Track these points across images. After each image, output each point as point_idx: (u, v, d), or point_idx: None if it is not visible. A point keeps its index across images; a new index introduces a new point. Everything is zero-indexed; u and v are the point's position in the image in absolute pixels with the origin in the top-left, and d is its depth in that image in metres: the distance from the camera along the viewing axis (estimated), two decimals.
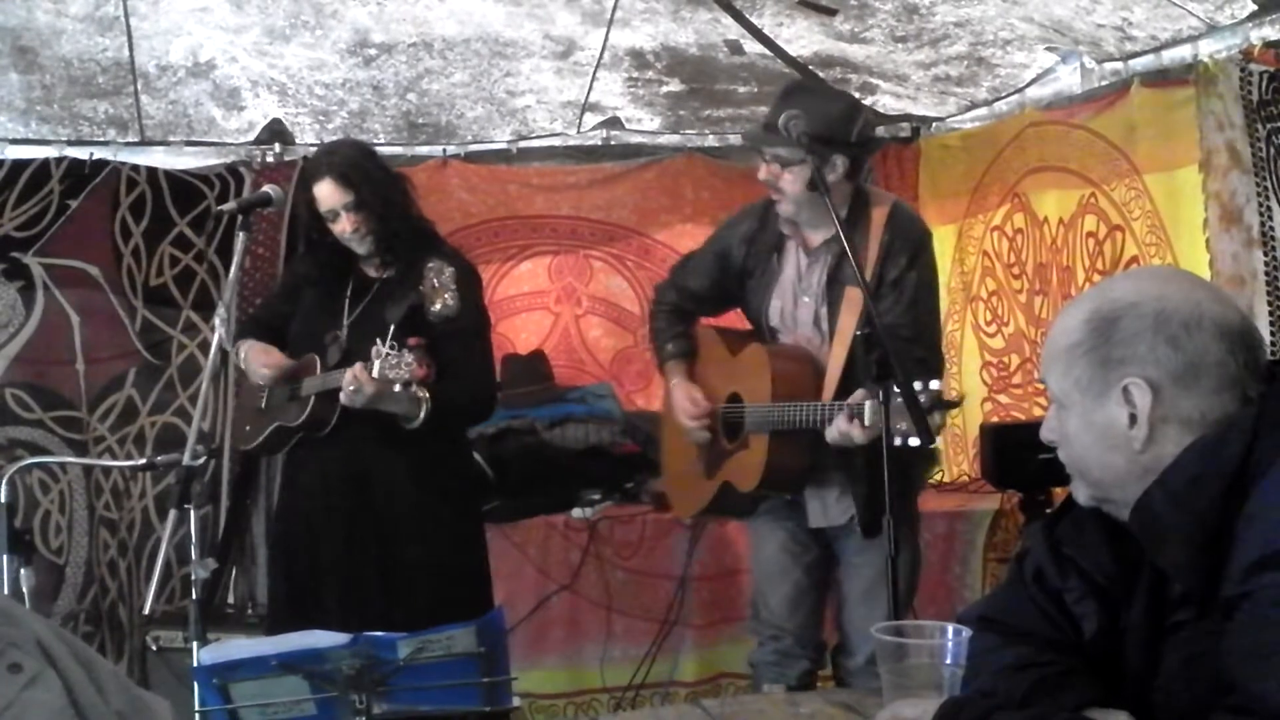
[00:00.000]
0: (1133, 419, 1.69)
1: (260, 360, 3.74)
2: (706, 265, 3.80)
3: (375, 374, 3.35)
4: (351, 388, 3.43)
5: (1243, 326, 1.70)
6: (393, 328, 3.45)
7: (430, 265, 3.61)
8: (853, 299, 3.44)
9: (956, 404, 3.17)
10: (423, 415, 3.55)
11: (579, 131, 5.59)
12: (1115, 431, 1.70)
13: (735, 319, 3.92)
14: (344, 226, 3.63)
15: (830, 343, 3.51)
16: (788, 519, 3.69)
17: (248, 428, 3.92)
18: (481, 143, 5.59)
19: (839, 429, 3.23)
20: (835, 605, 3.72)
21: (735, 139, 5.76)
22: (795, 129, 3.32)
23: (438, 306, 3.55)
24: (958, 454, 5.55)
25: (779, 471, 3.53)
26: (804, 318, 3.60)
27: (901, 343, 3.27)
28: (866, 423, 3.14)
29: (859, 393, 3.21)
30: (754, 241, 3.67)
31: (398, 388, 3.36)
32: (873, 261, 3.46)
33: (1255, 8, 3.82)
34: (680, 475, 3.97)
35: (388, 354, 3.34)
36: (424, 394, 3.52)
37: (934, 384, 3.02)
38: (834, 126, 3.43)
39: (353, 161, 3.65)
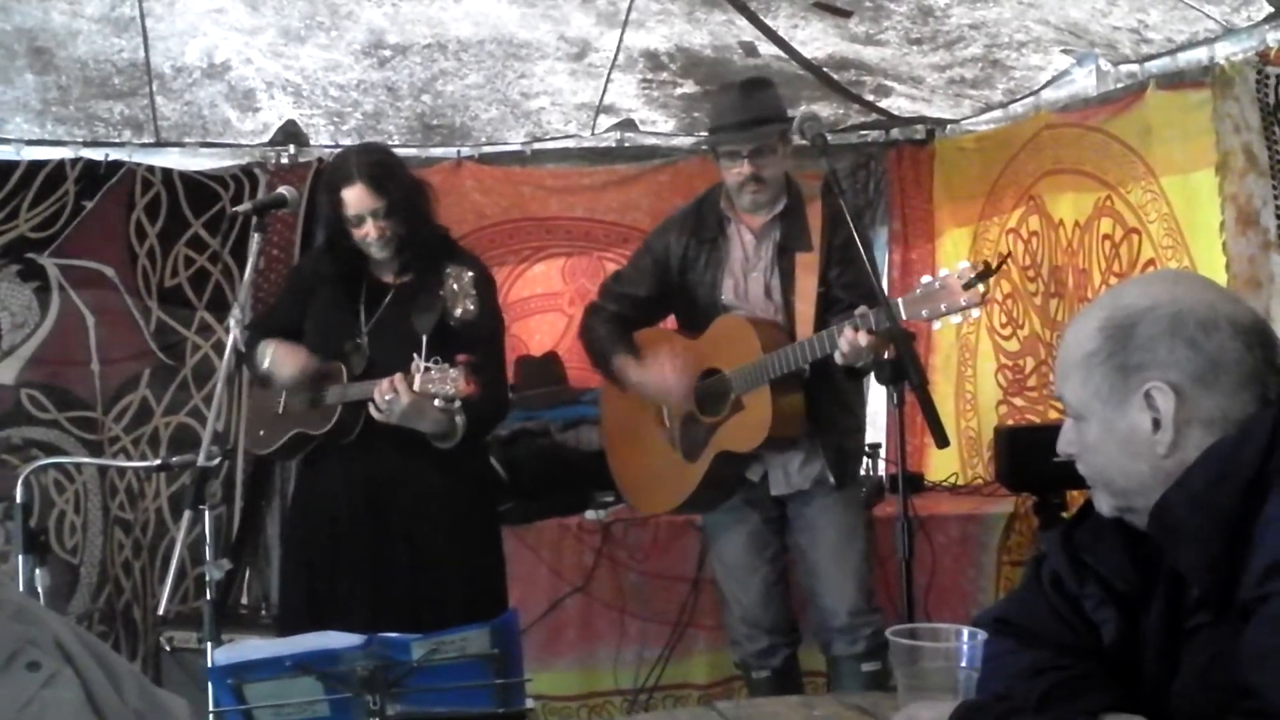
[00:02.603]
0: (1156, 424, 1.68)
1: (289, 360, 3.69)
2: (644, 271, 4.02)
3: (416, 387, 3.35)
4: (388, 397, 3.43)
5: (1256, 323, 1.70)
6: (425, 339, 3.45)
7: (449, 270, 3.59)
8: (806, 263, 3.75)
9: (995, 271, 3.29)
10: (460, 435, 3.56)
11: (593, 133, 5.60)
12: (1139, 438, 1.69)
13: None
14: (368, 231, 3.62)
15: (787, 309, 3.77)
16: (750, 515, 3.92)
17: (262, 432, 3.90)
18: (496, 144, 5.60)
19: (847, 340, 3.35)
20: (804, 574, 3.92)
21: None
22: (810, 130, 3.49)
23: (459, 312, 3.54)
24: (972, 456, 5.54)
25: (786, 418, 3.70)
26: (755, 290, 3.84)
27: (862, 299, 3.47)
28: (903, 316, 3.28)
29: (861, 308, 3.36)
30: (694, 234, 3.91)
31: (439, 402, 3.34)
32: (818, 230, 3.75)
33: (1272, 10, 3.81)
34: (648, 472, 4.05)
35: (428, 368, 3.33)
36: (460, 416, 3.51)
37: (962, 264, 3.22)
38: (785, 110, 3.88)
39: (384, 167, 3.64)
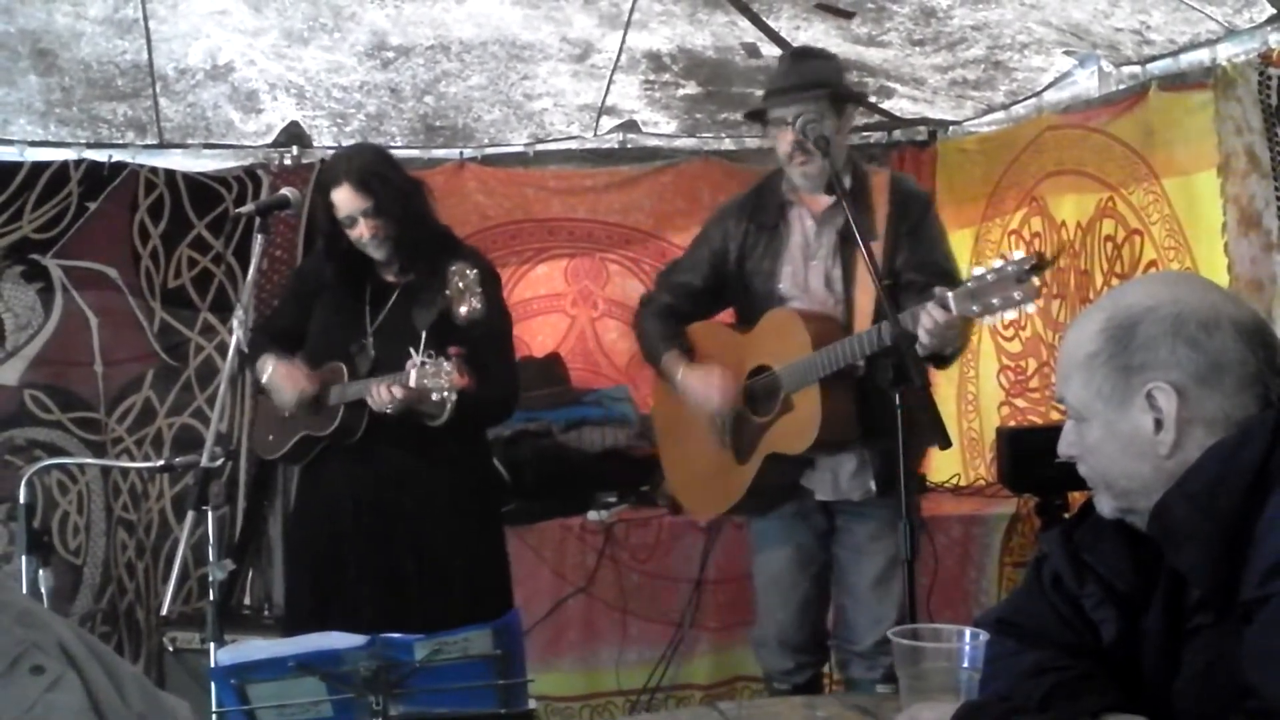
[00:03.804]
0: (1158, 424, 1.68)
1: (288, 382, 3.70)
2: (701, 260, 3.82)
3: (412, 383, 3.35)
4: (385, 398, 3.45)
5: (1258, 324, 1.70)
6: (425, 335, 3.45)
7: (453, 268, 3.59)
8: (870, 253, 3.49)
9: (1051, 263, 3.08)
10: (447, 414, 3.53)
11: (596, 134, 5.60)
12: (1141, 439, 1.70)
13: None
14: (362, 232, 3.63)
15: (847, 302, 3.55)
16: (798, 529, 3.73)
17: (270, 437, 3.91)
18: (498, 145, 5.60)
19: (931, 313, 3.10)
20: (842, 589, 3.74)
21: (752, 142, 5.75)
22: (813, 133, 3.42)
23: (465, 309, 3.54)
24: (974, 458, 5.54)
25: (836, 420, 3.48)
26: (815, 280, 3.63)
27: (937, 278, 3.32)
28: (955, 311, 3.06)
29: (939, 288, 3.13)
30: (753, 219, 3.71)
31: (436, 396, 3.35)
32: (883, 219, 3.54)
33: (1274, 11, 3.81)
34: (699, 473, 3.88)
35: (424, 363, 3.33)
36: (452, 396, 3.51)
37: (1016, 254, 2.98)
38: (842, 80, 3.70)
39: (371, 167, 3.65)
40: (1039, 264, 2.94)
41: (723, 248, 3.76)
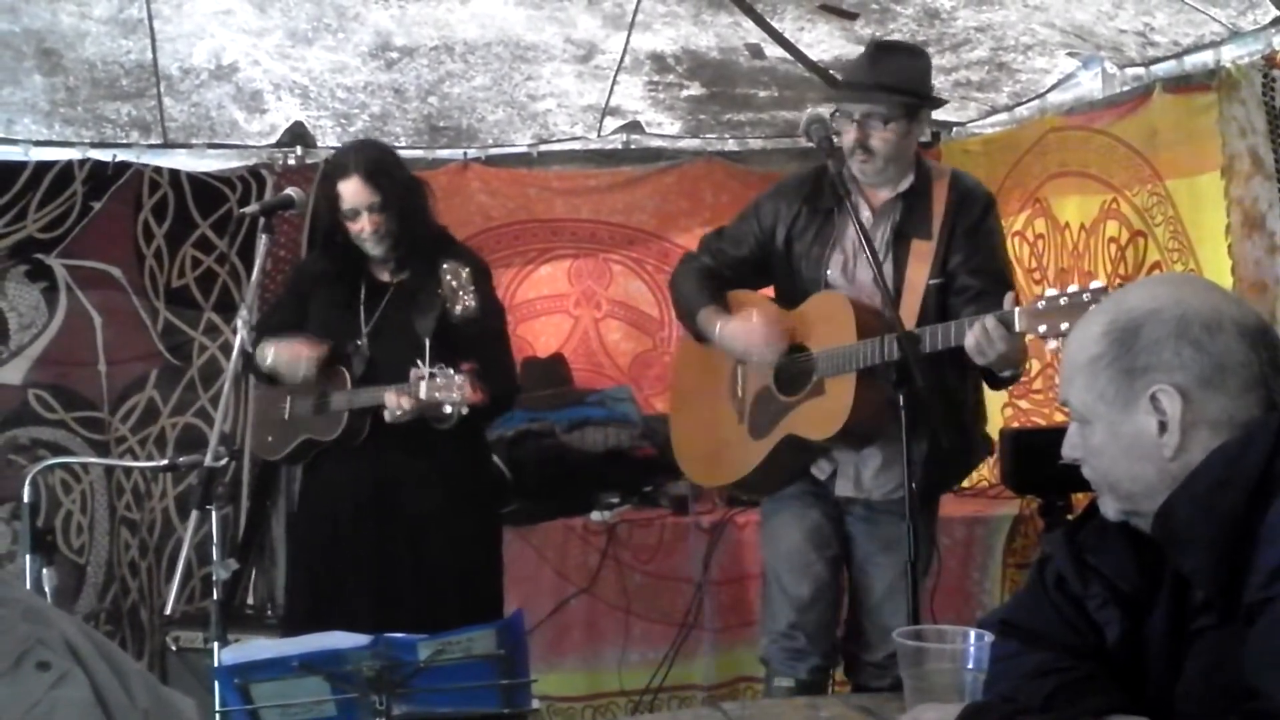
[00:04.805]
0: (1162, 426, 1.68)
1: (296, 353, 3.67)
2: (748, 233, 3.69)
3: (423, 396, 3.37)
4: (398, 413, 3.48)
5: (1260, 325, 1.70)
6: (428, 342, 3.46)
7: (445, 266, 3.60)
8: (920, 252, 3.44)
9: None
10: (453, 421, 3.54)
11: (599, 135, 5.60)
12: (1145, 441, 1.69)
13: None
14: (363, 226, 3.64)
15: (895, 299, 3.39)
16: (813, 508, 3.62)
17: (270, 438, 3.92)
18: (502, 146, 5.60)
19: (987, 325, 3.03)
20: (853, 599, 3.68)
21: (755, 143, 5.77)
22: (817, 134, 3.39)
23: (459, 309, 3.55)
24: None
25: (864, 417, 3.37)
26: (864, 274, 3.50)
27: (990, 283, 3.30)
28: (1018, 328, 2.98)
29: (1010, 296, 3.06)
30: (808, 201, 3.60)
31: (448, 409, 3.36)
32: (941, 216, 3.47)
33: (1278, 13, 3.80)
34: (709, 443, 3.78)
35: (433, 374, 3.35)
36: (464, 410, 3.51)
37: (1095, 283, 2.87)
38: (924, 82, 3.57)
39: (380, 162, 3.66)
40: None
41: (772, 225, 3.64)
